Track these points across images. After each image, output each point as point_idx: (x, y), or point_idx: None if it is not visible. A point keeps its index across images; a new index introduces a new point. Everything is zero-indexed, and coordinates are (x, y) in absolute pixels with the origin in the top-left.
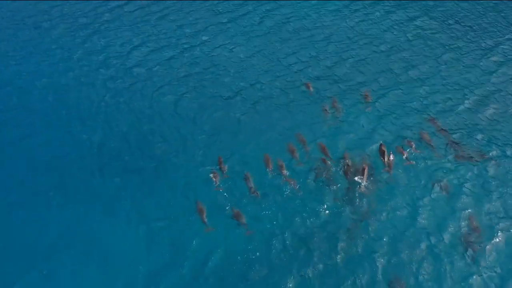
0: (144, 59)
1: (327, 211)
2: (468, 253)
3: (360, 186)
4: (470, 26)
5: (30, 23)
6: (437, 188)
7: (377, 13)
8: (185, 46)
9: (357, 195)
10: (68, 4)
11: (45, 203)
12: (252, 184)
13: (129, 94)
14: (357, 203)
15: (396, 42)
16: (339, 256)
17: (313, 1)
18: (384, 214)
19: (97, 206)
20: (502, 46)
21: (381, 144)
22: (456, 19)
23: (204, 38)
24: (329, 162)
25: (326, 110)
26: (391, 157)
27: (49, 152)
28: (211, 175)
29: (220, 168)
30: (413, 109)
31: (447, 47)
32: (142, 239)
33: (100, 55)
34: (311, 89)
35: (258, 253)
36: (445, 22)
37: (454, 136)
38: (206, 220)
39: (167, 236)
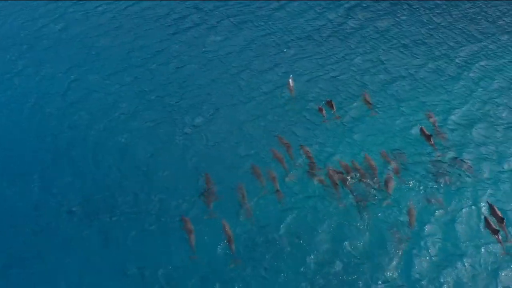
0: (84, 92)
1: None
2: None
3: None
4: (446, 32)
5: None
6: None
7: (350, 22)
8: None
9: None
10: None
11: None
12: (246, 202)
13: (67, 137)
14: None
15: (373, 50)
16: None
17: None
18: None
19: None
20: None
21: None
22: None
23: (153, 65)
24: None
25: (322, 110)
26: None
27: None
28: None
29: (208, 189)
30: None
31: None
32: None
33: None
34: (325, 114)
35: None
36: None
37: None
38: (194, 243)
39: None
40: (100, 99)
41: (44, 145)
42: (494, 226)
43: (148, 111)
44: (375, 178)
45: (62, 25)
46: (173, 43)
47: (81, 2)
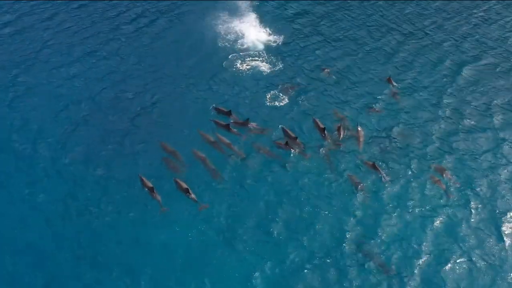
0: (28, 90)
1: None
2: None
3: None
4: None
5: None
6: None
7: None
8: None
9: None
10: None
11: None
12: (211, 166)
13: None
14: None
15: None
16: None
17: None
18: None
19: None
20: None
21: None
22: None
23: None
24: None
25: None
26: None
27: None
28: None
29: (173, 156)
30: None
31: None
32: None
33: None
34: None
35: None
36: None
37: None
38: (159, 198)
39: None
40: (46, 94)
41: None
42: (440, 180)
43: (96, 102)
44: (337, 133)
45: (5, 22)
46: (115, 37)
47: (23, 1)
